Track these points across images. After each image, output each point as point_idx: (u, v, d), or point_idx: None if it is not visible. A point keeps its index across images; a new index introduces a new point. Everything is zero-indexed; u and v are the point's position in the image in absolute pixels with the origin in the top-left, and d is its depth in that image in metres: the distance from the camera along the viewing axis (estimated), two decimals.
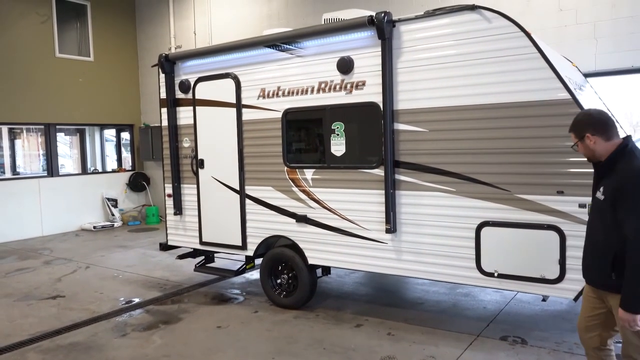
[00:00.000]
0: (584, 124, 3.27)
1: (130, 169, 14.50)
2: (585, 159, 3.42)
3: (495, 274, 4.69)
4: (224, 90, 6.37)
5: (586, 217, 4.16)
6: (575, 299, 4.39)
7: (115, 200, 13.49)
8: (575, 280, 4.36)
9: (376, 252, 5.38)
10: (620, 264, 3.00)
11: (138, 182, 14.10)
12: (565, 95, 4.28)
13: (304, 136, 5.97)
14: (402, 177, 5.15)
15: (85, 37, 13.39)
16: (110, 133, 15.06)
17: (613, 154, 3.15)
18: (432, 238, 5.02)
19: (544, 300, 4.82)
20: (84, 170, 14.26)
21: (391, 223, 5.15)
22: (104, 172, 14.34)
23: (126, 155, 14.98)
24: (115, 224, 13.07)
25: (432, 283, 6.94)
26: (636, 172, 3.01)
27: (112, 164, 15.06)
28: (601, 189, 3.18)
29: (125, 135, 14.80)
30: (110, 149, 15.28)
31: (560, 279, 4.43)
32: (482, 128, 4.67)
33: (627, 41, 7.55)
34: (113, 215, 13.22)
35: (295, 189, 5.88)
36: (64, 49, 12.90)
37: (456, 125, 4.80)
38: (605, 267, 3.10)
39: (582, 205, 4.28)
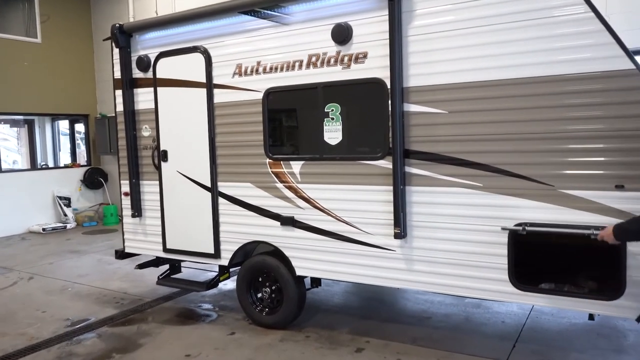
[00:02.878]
0: None
1: (85, 164, 13.15)
2: None
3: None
4: (191, 67, 5.29)
5: None
6: (638, 319, 3.54)
7: (68, 199, 12.16)
8: (637, 296, 3.51)
9: (382, 261, 4.42)
10: None
11: (94, 179, 12.77)
12: (628, 64, 3.40)
13: (290, 121, 4.95)
14: (415, 170, 4.20)
15: (31, 15, 11.94)
16: (63, 125, 13.67)
17: None
18: (452, 244, 4.10)
19: (591, 318, 3.99)
20: (33, 166, 12.87)
21: (401, 226, 4.21)
22: (56, 167, 12.97)
23: (81, 149, 13.61)
24: (68, 226, 11.75)
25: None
26: None
27: (65, 158, 13.67)
28: None
29: (80, 127, 13.42)
30: (64, 142, 13.88)
31: (618, 294, 3.57)
32: (517, 108, 3.77)
33: None
34: (65, 215, 11.88)
35: (279, 185, 4.87)
36: (6, 28, 11.45)
37: (484, 105, 3.88)
38: None
39: None
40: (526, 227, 3.75)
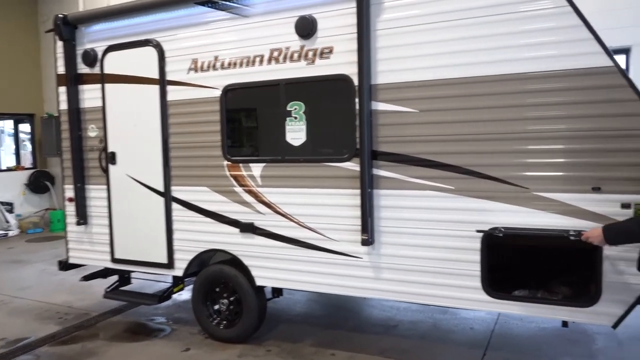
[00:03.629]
0: None
1: (30, 166, 12.36)
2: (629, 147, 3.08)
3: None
4: (142, 62, 4.89)
5: None
6: (615, 325, 3.41)
7: (11, 204, 11.39)
8: (614, 302, 3.38)
9: (348, 269, 4.16)
10: None
11: (40, 183, 12.01)
12: (606, 61, 3.27)
13: (250, 121, 4.63)
14: (383, 172, 3.97)
15: None
16: (7, 125, 12.83)
17: None
18: (423, 250, 3.89)
19: (565, 325, 3.86)
20: None
21: (369, 232, 3.96)
22: None
23: (26, 150, 12.80)
24: (10, 233, 10.97)
25: None
26: None
27: (9, 161, 12.82)
28: None
29: (25, 127, 12.61)
30: (7, 144, 13.03)
31: (594, 301, 3.44)
32: (490, 107, 3.59)
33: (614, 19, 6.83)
34: (8, 222, 11.09)
35: (238, 189, 4.54)
36: None
37: (455, 103, 3.69)
38: None
39: (625, 205, 3.30)
40: (502, 230, 3.56)
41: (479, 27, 3.57)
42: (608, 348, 4.41)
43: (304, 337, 4.85)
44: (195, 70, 4.64)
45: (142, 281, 5.85)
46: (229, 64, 4.48)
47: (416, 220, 3.89)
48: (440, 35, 3.68)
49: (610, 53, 3.27)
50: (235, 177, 4.54)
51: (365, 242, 3.97)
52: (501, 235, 3.57)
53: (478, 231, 3.65)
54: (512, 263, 4.28)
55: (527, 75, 3.47)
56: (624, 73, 3.26)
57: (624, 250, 3.30)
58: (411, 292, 3.97)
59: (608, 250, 3.35)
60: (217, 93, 4.54)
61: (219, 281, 4.81)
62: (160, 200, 4.90)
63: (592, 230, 3.11)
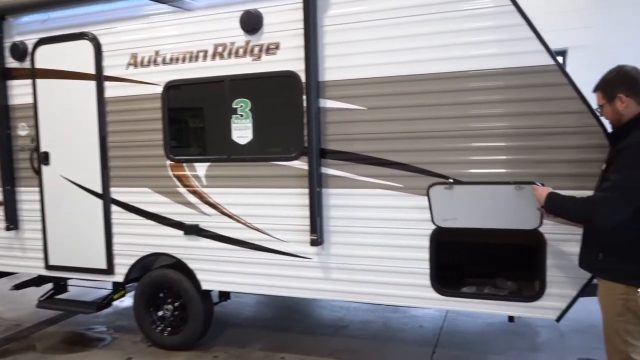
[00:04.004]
0: (618, 83, 2.71)
1: None
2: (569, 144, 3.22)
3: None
4: (77, 56, 4.61)
5: None
6: (558, 319, 3.49)
7: None
8: (557, 296, 3.46)
9: (297, 270, 4.07)
10: (610, 243, 2.62)
11: None
12: (547, 60, 3.34)
13: (194, 119, 4.46)
14: (332, 171, 3.90)
15: None
16: None
17: (632, 120, 2.67)
18: (372, 250, 3.85)
19: (511, 320, 3.92)
20: None
21: (318, 232, 3.89)
22: None
23: None
24: None
25: None
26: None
27: None
28: (607, 159, 2.76)
29: None
30: None
31: (538, 295, 3.50)
32: (436, 104, 3.59)
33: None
34: None
35: (182, 190, 4.35)
36: None
37: (402, 101, 3.67)
38: (593, 246, 2.74)
39: None
40: (453, 182, 3.55)
41: (423, 24, 3.56)
42: (551, 340, 4.53)
43: (252, 341, 4.72)
44: (135, 65, 4.42)
45: (80, 289, 5.54)
46: (171, 60, 4.28)
47: (366, 219, 3.85)
48: (387, 32, 3.65)
49: (551, 52, 3.33)
50: (179, 178, 4.35)
51: (314, 243, 3.89)
52: (452, 189, 3.55)
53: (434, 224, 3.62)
54: (460, 260, 4.33)
55: (471, 73, 3.49)
56: (565, 71, 3.34)
57: (567, 246, 3.38)
58: (361, 292, 3.93)
59: (552, 246, 3.42)
60: (159, 89, 4.33)
61: (163, 286, 4.60)
62: (98, 202, 4.63)
63: (542, 188, 3.05)
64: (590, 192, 3.23)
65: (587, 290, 3.40)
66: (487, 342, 4.54)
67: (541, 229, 3.41)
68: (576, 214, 2.79)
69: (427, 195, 3.60)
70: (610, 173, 2.61)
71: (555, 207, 2.89)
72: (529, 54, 3.37)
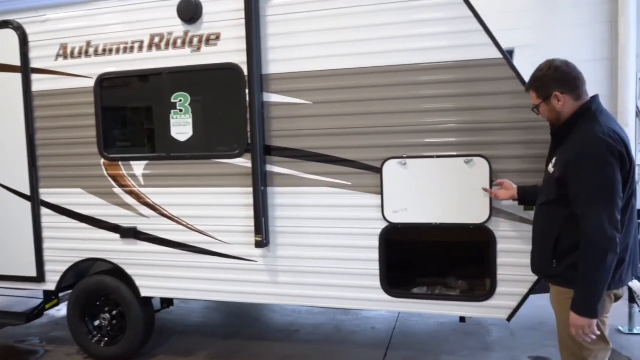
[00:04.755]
0: (551, 80, 2.54)
1: None
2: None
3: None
4: (0, 46, 4.24)
5: (528, 214, 3.23)
6: (509, 318, 3.42)
7: None
8: (508, 295, 3.39)
9: (242, 274, 3.86)
10: (564, 250, 2.45)
11: None
12: (495, 53, 3.26)
13: (130, 114, 4.19)
14: (277, 169, 3.71)
15: None
16: None
17: (572, 117, 2.51)
18: (321, 251, 3.68)
19: (462, 320, 3.84)
20: None
21: (263, 233, 3.69)
22: None
23: None
24: None
25: None
26: (593, 137, 2.35)
27: None
28: (553, 161, 2.57)
29: None
30: None
31: (489, 295, 3.42)
32: (384, 99, 3.46)
33: None
34: None
35: (118, 190, 4.07)
36: None
37: (350, 95, 3.52)
38: (546, 252, 2.54)
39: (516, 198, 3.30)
40: (406, 158, 3.42)
41: (370, 15, 3.43)
42: (502, 339, 4.49)
43: (198, 349, 4.48)
44: (65, 57, 4.09)
45: (10, 299, 5.12)
46: (104, 51, 3.99)
47: (313, 219, 3.68)
48: (333, 23, 3.50)
49: (499, 45, 3.26)
50: (114, 177, 4.06)
51: (259, 244, 3.69)
52: (405, 163, 3.41)
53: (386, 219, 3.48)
54: (410, 259, 4.23)
55: (418, 66, 3.38)
56: (513, 65, 3.27)
57: (517, 243, 3.31)
58: (310, 296, 3.76)
59: (502, 244, 3.34)
60: (91, 83, 4.03)
61: (99, 294, 4.30)
62: (27, 205, 4.27)
63: (573, 322, 2.36)
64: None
65: (537, 288, 3.35)
66: (440, 342, 4.46)
67: (490, 226, 3.34)
68: (600, 266, 2.27)
69: (380, 173, 3.45)
70: (572, 189, 2.37)
71: (592, 299, 2.31)
72: (477, 47, 3.29)
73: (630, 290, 4.25)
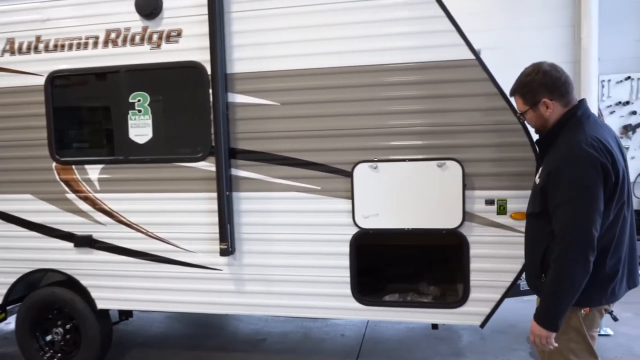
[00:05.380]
0: (539, 85, 2.38)
1: None
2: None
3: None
4: None
5: (501, 219, 3.16)
6: (482, 325, 3.35)
7: None
8: (481, 301, 3.31)
9: (207, 283, 3.66)
10: (548, 265, 2.31)
11: None
12: (467, 54, 3.18)
13: (84, 114, 3.93)
14: (243, 173, 3.53)
15: None
16: None
17: (557, 124, 2.40)
18: (289, 258, 3.53)
19: (434, 327, 3.75)
20: None
21: (228, 240, 3.51)
22: None
23: None
24: None
25: None
26: (574, 148, 2.23)
27: None
28: (539, 171, 2.46)
29: None
30: None
31: (462, 301, 3.34)
32: (353, 100, 3.34)
33: None
34: None
35: (72, 196, 3.80)
36: None
37: (320, 95, 3.38)
38: (535, 266, 2.44)
39: (489, 202, 3.24)
40: (377, 162, 3.30)
41: (339, 13, 3.30)
42: (473, 343, 4.44)
43: None
44: (12, 52, 3.80)
45: None
46: (56, 46, 3.72)
47: (281, 225, 3.52)
48: (300, 21, 3.36)
49: (471, 45, 3.18)
50: (67, 182, 3.80)
51: (224, 252, 3.51)
52: (376, 167, 3.29)
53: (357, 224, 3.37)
54: (380, 265, 4.13)
55: (390, 67, 3.28)
56: (485, 66, 3.19)
57: (490, 248, 3.25)
58: (279, 305, 3.60)
59: (475, 249, 3.27)
60: (41, 81, 3.75)
61: (51, 307, 4.03)
62: None
63: (532, 330, 2.33)
64: (511, 192, 3.16)
65: (509, 293, 3.30)
66: (410, 348, 4.37)
67: (463, 231, 3.26)
68: (568, 279, 2.19)
69: (351, 177, 3.32)
70: (552, 197, 2.28)
71: (555, 312, 2.23)
72: (449, 48, 3.21)
73: None
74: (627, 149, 6.96)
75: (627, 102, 6.87)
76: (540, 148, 2.55)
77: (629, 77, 6.87)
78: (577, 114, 2.35)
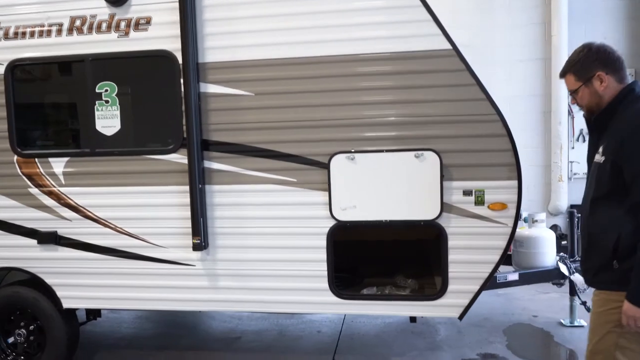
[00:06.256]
0: (593, 60, 2.30)
1: None
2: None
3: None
4: None
5: (479, 210, 3.14)
6: (461, 317, 3.32)
7: None
8: (459, 293, 3.29)
9: (179, 279, 3.54)
10: (627, 248, 2.13)
11: None
12: (444, 44, 3.15)
13: (48, 105, 3.75)
14: (216, 165, 3.43)
15: None
16: None
17: (615, 99, 2.27)
18: (265, 252, 3.44)
19: (413, 321, 3.71)
20: None
21: (201, 235, 3.39)
22: None
23: None
24: None
25: None
26: None
27: None
28: (600, 149, 2.27)
29: None
30: None
31: (440, 293, 3.31)
32: (328, 90, 3.28)
33: None
34: None
35: (35, 191, 3.63)
36: None
37: (295, 86, 3.31)
38: (603, 256, 2.22)
39: (466, 192, 3.22)
40: (355, 153, 3.25)
41: (314, 2, 3.26)
42: (450, 337, 4.42)
43: None
44: None
45: None
46: (16, 34, 3.54)
47: (256, 219, 3.43)
48: (274, 9, 3.29)
49: (448, 35, 3.15)
50: (30, 176, 3.62)
51: (197, 247, 3.39)
52: (353, 158, 3.23)
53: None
54: (356, 260, 4.08)
55: (366, 56, 3.24)
56: (462, 57, 3.17)
57: (468, 239, 3.22)
58: (254, 300, 3.51)
59: (453, 241, 3.24)
60: (0, 70, 3.57)
61: (14, 307, 3.84)
62: None
63: (625, 311, 2.16)
64: (488, 182, 3.15)
65: (487, 284, 3.29)
66: (387, 343, 4.32)
67: (441, 222, 3.22)
68: None
69: (328, 168, 3.25)
70: (630, 171, 2.13)
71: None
72: (426, 37, 3.17)
73: (572, 283, 4.31)
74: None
75: None
76: (595, 127, 2.38)
77: None
78: (636, 89, 2.28)
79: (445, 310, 3.33)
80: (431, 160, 3.18)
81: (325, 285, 3.38)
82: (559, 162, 6.93)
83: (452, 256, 3.25)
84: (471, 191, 3.20)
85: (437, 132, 3.20)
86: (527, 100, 7.02)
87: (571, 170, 7.10)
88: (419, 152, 3.18)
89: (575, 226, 4.54)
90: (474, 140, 3.18)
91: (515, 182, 3.17)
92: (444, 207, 3.21)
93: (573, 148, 7.10)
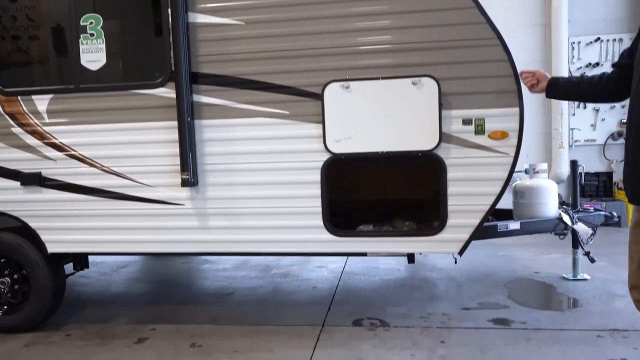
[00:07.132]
0: None
1: None
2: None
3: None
4: None
5: (479, 139, 3.01)
6: (461, 252, 3.19)
7: None
8: (459, 227, 3.16)
9: (168, 220, 3.41)
10: None
11: None
12: None
13: (30, 39, 3.59)
14: (206, 99, 3.29)
15: None
16: None
17: None
18: (257, 189, 3.31)
19: (411, 261, 3.57)
20: None
21: (190, 171, 3.26)
22: None
23: None
24: None
25: (237, 267, 5.21)
26: None
27: None
28: None
29: None
30: None
31: (440, 227, 3.18)
32: (326, 17, 3.14)
33: None
34: None
35: (17, 130, 3.49)
36: None
37: (284, 13, 3.18)
38: None
39: (466, 121, 3.09)
40: (349, 81, 3.12)
41: None
42: (449, 290, 4.29)
43: (117, 317, 3.94)
44: None
45: None
46: None
47: (247, 154, 3.30)
48: None
49: None
50: (12, 115, 3.48)
51: (185, 183, 3.26)
52: (348, 80, 3.10)
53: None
54: (354, 203, 3.95)
55: None
56: None
57: (467, 171, 3.09)
58: (246, 240, 3.38)
59: (452, 172, 3.11)
60: None
61: None
62: None
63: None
64: (489, 110, 3.02)
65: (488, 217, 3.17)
66: (385, 297, 4.19)
67: (440, 153, 3.10)
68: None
69: (321, 99, 3.12)
70: None
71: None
72: None
73: (574, 234, 4.18)
74: (597, 111, 6.98)
75: (597, 64, 6.89)
76: None
77: (598, 39, 6.88)
78: None
79: (444, 246, 3.20)
80: (429, 88, 3.05)
81: (320, 222, 3.25)
82: (560, 128, 6.81)
83: (451, 188, 3.13)
84: (471, 120, 3.08)
85: (435, 59, 3.07)
86: (527, 67, 6.80)
87: (572, 138, 6.99)
88: (417, 79, 3.05)
89: (577, 176, 4.42)
90: (474, 66, 3.05)
91: (516, 109, 3.04)
92: (443, 137, 3.08)
93: (574, 115, 6.99)
